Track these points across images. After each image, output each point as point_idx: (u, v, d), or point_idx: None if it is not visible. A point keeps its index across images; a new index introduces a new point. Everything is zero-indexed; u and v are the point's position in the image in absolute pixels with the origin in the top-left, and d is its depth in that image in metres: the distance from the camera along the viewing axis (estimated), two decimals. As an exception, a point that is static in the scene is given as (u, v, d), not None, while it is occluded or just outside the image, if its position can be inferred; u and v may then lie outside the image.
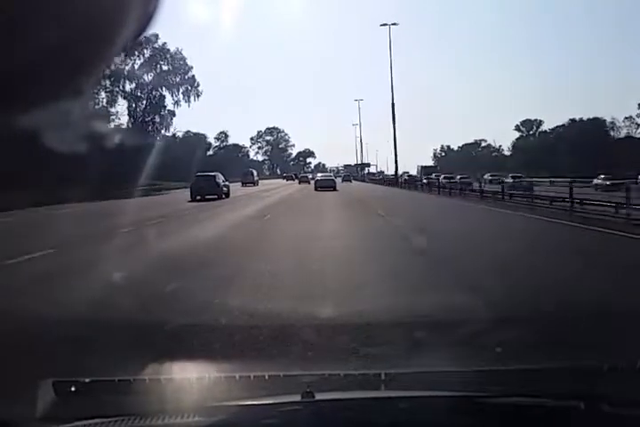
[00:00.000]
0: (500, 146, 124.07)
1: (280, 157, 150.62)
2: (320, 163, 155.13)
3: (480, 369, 2.99)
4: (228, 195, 31.19)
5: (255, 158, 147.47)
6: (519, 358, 3.54)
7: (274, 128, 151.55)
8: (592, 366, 2.86)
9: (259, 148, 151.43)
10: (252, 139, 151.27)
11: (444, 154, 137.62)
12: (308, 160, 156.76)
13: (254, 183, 56.43)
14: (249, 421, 1.72)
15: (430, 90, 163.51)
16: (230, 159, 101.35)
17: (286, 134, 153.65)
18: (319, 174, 50.98)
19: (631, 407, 1.80)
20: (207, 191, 29.05)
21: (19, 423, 2.00)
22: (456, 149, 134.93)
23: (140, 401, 2.36)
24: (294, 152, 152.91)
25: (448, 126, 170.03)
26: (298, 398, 1.77)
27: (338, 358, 3.84)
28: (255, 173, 64.10)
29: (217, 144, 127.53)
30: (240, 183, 53.70)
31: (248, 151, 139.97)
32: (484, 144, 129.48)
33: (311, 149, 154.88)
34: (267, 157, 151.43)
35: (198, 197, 28.36)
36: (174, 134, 74.94)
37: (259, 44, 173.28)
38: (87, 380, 2.50)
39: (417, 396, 2.03)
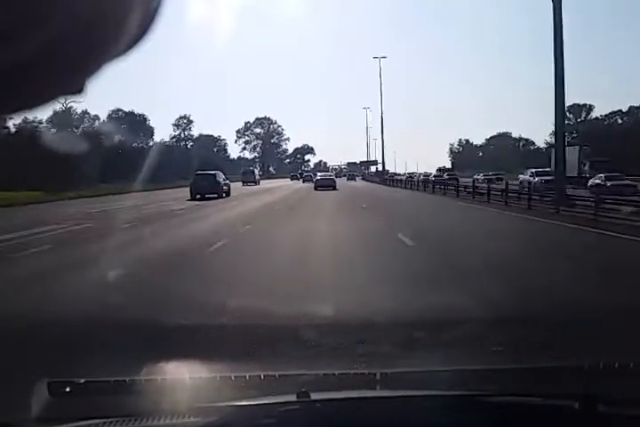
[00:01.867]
0: (529, 139, 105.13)
1: (273, 154, 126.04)
2: (321, 161, 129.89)
3: (476, 368, 2.99)
4: (228, 194, 31.02)
5: (242, 155, 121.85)
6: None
7: (264, 118, 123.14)
8: (589, 366, 2.87)
9: (246, 142, 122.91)
10: (237, 131, 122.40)
11: (461, 149, 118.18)
12: (307, 158, 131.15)
13: (256, 182, 55.39)
14: (244, 421, 1.72)
15: (442, 78, 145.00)
16: (195, 154, 74.87)
17: (279, 126, 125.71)
18: (319, 174, 51.17)
19: (627, 407, 1.81)
20: (207, 190, 28.90)
21: (13, 424, 1.99)
22: (480, 143, 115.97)
23: (135, 402, 2.36)
24: (290, 148, 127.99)
25: (466, 119, 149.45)
26: (293, 398, 1.77)
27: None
28: (257, 171, 62.96)
29: (177, 133, 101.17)
30: (241, 183, 52.61)
31: (226, 144, 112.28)
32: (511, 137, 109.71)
33: (310, 145, 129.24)
34: (256, 154, 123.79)
35: (198, 196, 28.32)
36: (68, 108, 59.79)
37: (244, 24, 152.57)
38: (82, 380, 2.50)
39: (412, 395, 2.03)
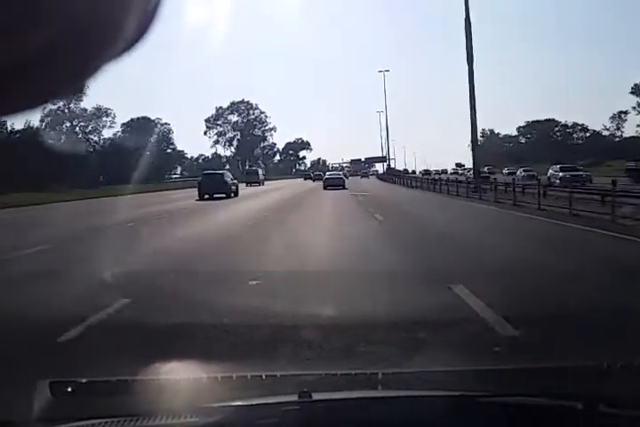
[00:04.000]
0: (582, 125, 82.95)
1: (257, 150, 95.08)
2: (319, 159, 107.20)
3: (478, 369, 2.99)
4: (236, 193, 31.06)
5: (214, 151, 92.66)
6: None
7: (242, 103, 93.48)
8: (591, 366, 2.86)
9: (219, 134, 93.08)
10: (207, 120, 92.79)
11: (483, 140, 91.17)
12: (302, 154, 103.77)
13: (260, 183, 54.27)
14: (246, 421, 1.71)
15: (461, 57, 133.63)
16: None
17: (263, 113, 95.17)
18: (328, 173, 52.21)
19: (630, 407, 1.80)
20: (215, 190, 29.02)
21: (15, 424, 1.99)
22: (508, 133, 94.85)
23: (137, 402, 2.36)
24: (279, 142, 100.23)
25: (489, 105, 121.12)
26: (295, 398, 1.76)
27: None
28: (261, 171, 61.41)
29: (56, 107, 59.95)
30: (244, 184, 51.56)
31: (170, 131, 79.22)
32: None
33: (305, 140, 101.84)
34: (234, 151, 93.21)
35: (206, 196, 28.40)
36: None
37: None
38: (84, 380, 2.50)
39: (414, 395, 2.03)
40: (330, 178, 43.81)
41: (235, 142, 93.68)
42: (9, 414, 2.11)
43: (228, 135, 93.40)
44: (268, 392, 2.37)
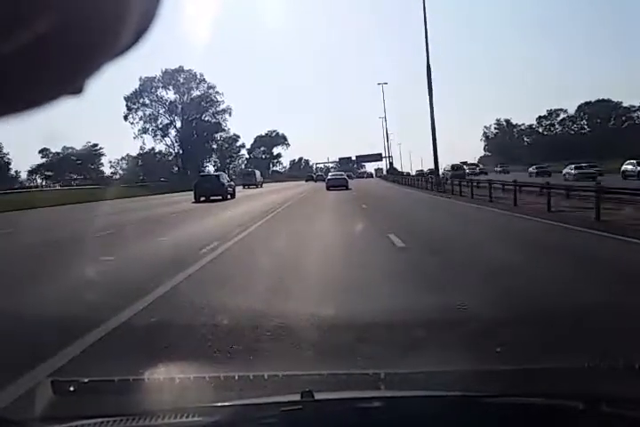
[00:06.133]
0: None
1: (208, 144, 61.42)
2: (301, 158, 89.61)
3: (480, 369, 2.99)
4: (233, 195, 31.08)
5: (142, 144, 67.82)
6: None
7: (180, 72, 59.60)
8: (591, 366, 2.87)
9: (146, 119, 59.63)
10: (127, 99, 60.49)
11: (497, 132, 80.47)
12: (277, 151, 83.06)
13: (257, 185, 52.95)
14: (248, 420, 1.72)
15: (471, 40, 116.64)
16: None
17: (213, 88, 61.68)
18: (330, 174, 52.21)
19: (631, 407, 1.80)
20: (212, 192, 29.05)
21: (17, 422, 1.99)
22: (531, 123, 79.49)
23: (139, 401, 2.37)
24: (245, 135, 73.80)
25: (501, 93, 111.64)
26: (297, 397, 1.77)
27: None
28: (259, 173, 56.73)
29: None
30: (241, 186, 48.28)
31: None
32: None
33: (281, 133, 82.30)
34: (170, 144, 60.84)
35: (202, 198, 28.41)
36: None
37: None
38: (86, 380, 2.50)
39: (417, 396, 2.03)
40: (332, 179, 44.17)
41: (172, 131, 60.28)
42: (12, 413, 2.11)
43: (160, 121, 59.81)
44: (270, 392, 2.37)
